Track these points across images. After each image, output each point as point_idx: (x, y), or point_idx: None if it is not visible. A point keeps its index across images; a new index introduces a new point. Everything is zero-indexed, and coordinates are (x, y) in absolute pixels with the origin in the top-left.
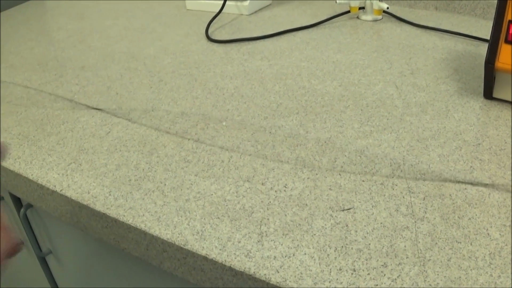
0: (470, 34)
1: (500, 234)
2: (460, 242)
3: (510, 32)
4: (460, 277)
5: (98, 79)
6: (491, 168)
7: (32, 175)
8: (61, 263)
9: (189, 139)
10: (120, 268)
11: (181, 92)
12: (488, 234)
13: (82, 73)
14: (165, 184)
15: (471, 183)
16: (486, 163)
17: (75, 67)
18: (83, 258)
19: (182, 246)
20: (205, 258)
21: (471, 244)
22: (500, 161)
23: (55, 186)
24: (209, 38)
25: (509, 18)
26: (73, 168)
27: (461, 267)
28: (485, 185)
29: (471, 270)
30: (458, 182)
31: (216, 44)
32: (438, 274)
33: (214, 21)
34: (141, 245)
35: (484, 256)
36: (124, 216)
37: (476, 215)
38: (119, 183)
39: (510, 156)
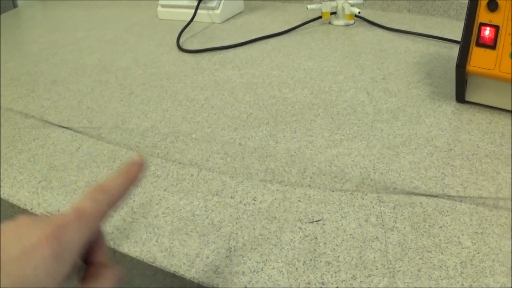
0: (444, 36)
1: (471, 242)
2: (431, 251)
3: (481, 34)
4: (430, 287)
5: (69, 93)
6: (463, 174)
7: (3, 193)
8: None
9: (158, 153)
10: None
11: (151, 105)
12: (460, 242)
13: (53, 87)
14: (134, 200)
15: (439, 196)
16: (458, 169)
17: (47, 82)
18: None
19: (151, 263)
20: (173, 275)
21: (442, 253)
22: (472, 166)
23: (25, 204)
24: (180, 48)
25: (480, 20)
26: (44, 186)
27: (431, 277)
28: (452, 198)
29: (441, 280)
30: (427, 195)
31: (187, 54)
32: (408, 285)
33: (186, 30)
34: (111, 262)
35: (455, 265)
36: None
37: (447, 223)
38: None
39: (482, 161)
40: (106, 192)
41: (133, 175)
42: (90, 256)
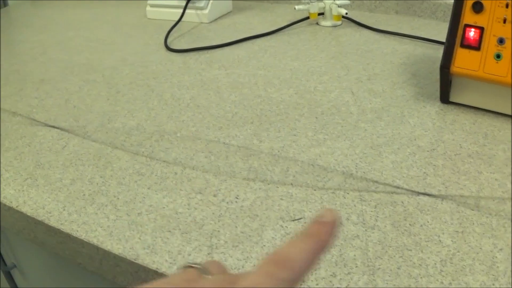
0: (430, 37)
1: (452, 241)
2: (411, 250)
3: (466, 36)
4: (410, 285)
5: (57, 92)
6: (445, 174)
7: None
8: (26, 276)
9: (143, 152)
10: (80, 281)
11: (137, 104)
12: (440, 240)
13: (41, 86)
14: (118, 198)
15: (420, 195)
16: (440, 168)
17: (35, 80)
18: (46, 272)
19: (133, 260)
20: (155, 272)
21: (422, 252)
22: (454, 166)
23: (11, 202)
24: (168, 48)
25: (465, 22)
26: (29, 183)
27: (411, 275)
28: (433, 196)
29: (421, 278)
30: (408, 191)
31: (174, 54)
32: (387, 283)
33: (174, 29)
34: (95, 259)
35: (435, 263)
36: (77, 231)
37: (428, 221)
38: (73, 198)
39: (465, 160)
40: (289, 265)
41: (323, 239)
42: None
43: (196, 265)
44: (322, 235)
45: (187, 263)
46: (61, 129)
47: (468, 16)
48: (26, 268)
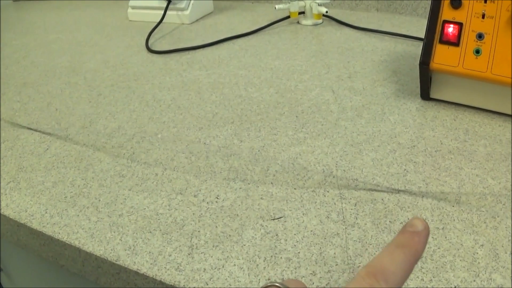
0: (411, 34)
1: (432, 237)
2: None
3: (445, 31)
4: None
5: (39, 96)
6: (425, 170)
7: None
8: (12, 280)
9: (124, 154)
10: (66, 283)
11: (118, 106)
12: None
13: (24, 89)
14: (99, 200)
15: (400, 192)
16: (420, 165)
17: (17, 84)
18: (32, 274)
19: (114, 261)
20: (136, 273)
21: None
22: (435, 162)
23: None
24: (149, 49)
25: (443, 18)
26: (12, 187)
27: None
28: (414, 194)
29: None
30: (387, 191)
31: (156, 55)
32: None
33: (155, 31)
34: (77, 261)
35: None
36: (59, 233)
37: (408, 218)
38: (55, 200)
39: (446, 157)
40: (386, 278)
41: (416, 249)
42: None
43: (277, 284)
44: (416, 244)
45: (268, 283)
46: (43, 132)
47: (446, 12)
48: (13, 271)
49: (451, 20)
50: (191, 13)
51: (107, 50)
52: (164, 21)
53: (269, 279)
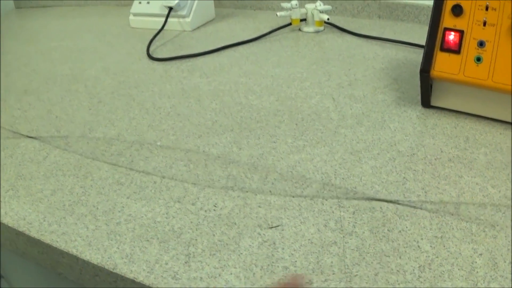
0: (413, 41)
1: (431, 246)
2: (389, 256)
3: (446, 39)
4: None
5: (40, 103)
6: (425, 179)
7: None
8: (13, 286)
9: (123, 161)
10: None
11: (118, 113)
12: (419, 246)
13: (24, 97)
14: (97, 208)
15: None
16: (419, 173)
17: (18, 92)
18: (31, 282)
19: (111, 270)
20: (133, 281)
21: (400, 258)
22: (435, 170)
23: None
24: (150, 57)
25: (444, 25)
26: (11, 195)
27: (388, 282)
28: (413, 203)
29: (399, 284)
30: (386, 200)
31: (156, 62)
32: None
33: (157, 38)
34: (75, 269)
35: (413, 269)
36: (57, 241)
37: (406, 227)
38: (54, 208)
39: (445, 165)
40: None
41: None
42: None
43: None
44: None
45: None
46: (43, 140)
47: (447, 20)
48: (13, 278)
49: (452, 27)
50: (192, 20)
51: (108, 58)
52: (165, 28)
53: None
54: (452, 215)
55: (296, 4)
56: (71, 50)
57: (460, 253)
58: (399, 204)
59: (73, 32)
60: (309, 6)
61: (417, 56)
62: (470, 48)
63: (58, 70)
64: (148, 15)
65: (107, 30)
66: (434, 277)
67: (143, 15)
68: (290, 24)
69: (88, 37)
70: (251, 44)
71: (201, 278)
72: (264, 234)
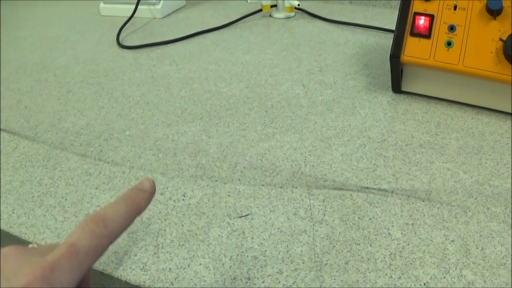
0: (384, 26)
1: (401, 234)
2: (359, 244)
3: (416, 24)
4: (358, 280)
5: (9, 93)
6: (395, 165)
7: None
8: None
9: (92, 151)
10: None
11: (88, 103)
12: (389, 234)
13: None
14: (66, 199)
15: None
16: (390, 159)
17: None
18: None
19: None
20: (102, 273)
21: (370, 245)
22: (405, 156)
23: None
24: (120, 44)
25: (414, 10)
26: None
27: (359, 270)
28: (383, 189)
29: (369, 272)
30: (356, 187)
31: (126, 50)
32: (334, 279)
33: (127, 26)
34: None
35: (384, 257)
36: (25, 234)
37: (377, 214)
38: (23, 200)
39: (416, 151)
40: (106, 224)
41: (138, 203)
42: None
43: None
44: (139, 199)
45: None
46: (12, 131)
47: (417, 4)
48: None
49: (422, 12)
50: (162, 8)
51: (78, 46)
52: (136, 15)
53: (234, 278)
54: (423, 201)
55: None
56: (41, 39)
57: (431, 240)
58: (369, 191)
59: (43, 21)
60: None
61: (388, 41)
62: (440, 33)
63: (28, 59)
64: (119, 2)
65: (77, 18)
66: (405, 264)
67: (113, 3)
68: (260, 10)
69: (58, 26)
70: (221, 31)
71: (170, 269)
72: (233, 224)
